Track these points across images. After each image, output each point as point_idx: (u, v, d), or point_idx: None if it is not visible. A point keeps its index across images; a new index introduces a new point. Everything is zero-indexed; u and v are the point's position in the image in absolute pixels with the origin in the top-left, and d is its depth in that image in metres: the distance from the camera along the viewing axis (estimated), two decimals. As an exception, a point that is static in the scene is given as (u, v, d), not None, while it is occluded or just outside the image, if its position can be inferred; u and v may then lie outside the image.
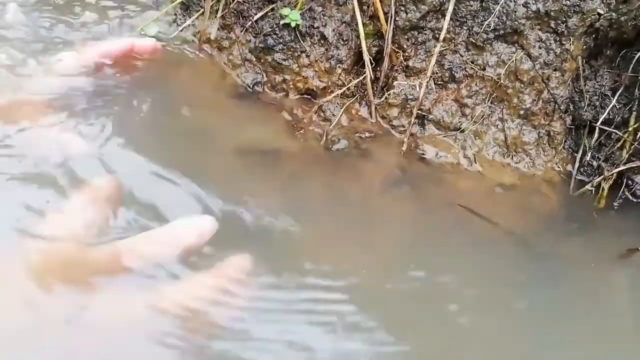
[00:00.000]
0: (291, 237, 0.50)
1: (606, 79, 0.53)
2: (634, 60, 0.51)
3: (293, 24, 0.58)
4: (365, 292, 0.46)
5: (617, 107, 0.53)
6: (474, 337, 0.43)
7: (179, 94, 0.59)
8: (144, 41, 0.54)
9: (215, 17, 0.64)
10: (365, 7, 0.59)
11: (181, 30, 0.65)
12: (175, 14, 0.67)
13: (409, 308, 0.46)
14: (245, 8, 0.63)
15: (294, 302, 0.44)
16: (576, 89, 0.53)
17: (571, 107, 0.53)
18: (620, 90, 0.52)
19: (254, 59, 0.63)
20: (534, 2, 0.50)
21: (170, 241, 0.38)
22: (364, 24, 0.58)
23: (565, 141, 0.54)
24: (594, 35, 0.51)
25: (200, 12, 0.66)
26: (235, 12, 0.64)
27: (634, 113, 0.52)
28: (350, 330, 0.43)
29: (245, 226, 0.48)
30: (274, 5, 0.62)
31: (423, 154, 0.55)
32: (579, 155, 0.53)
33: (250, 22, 0.63)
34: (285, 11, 0.59)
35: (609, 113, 0.52)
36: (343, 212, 0.52)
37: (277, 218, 0.50)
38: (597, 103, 0.53)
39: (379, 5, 0.56)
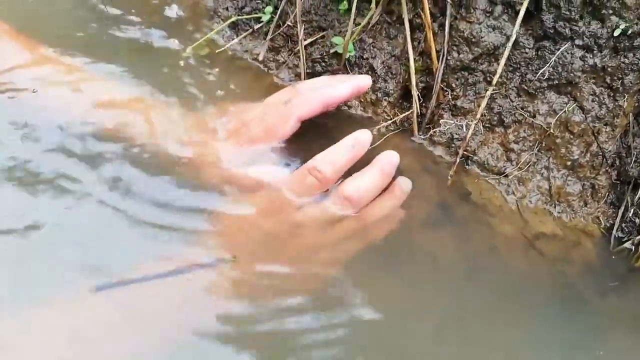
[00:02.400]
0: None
1: (654, 137, 0.54)
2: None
3: (348, 55, 0.58)
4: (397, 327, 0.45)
5: (662, 166, 0.53)
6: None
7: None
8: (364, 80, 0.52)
9: (265, 39, 0.65)
10: (415, 43, 0.59)
11: (229, 48, 0.66)
12: (223, 32, 0.67)
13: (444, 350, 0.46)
14: (295, 32, 0.63)
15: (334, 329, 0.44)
16: (624, 145, 0.53)
17: (617, 162, 0.53)
18: (666, 151, 0.52)
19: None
20: (591, 56, 0.51)
21: None
22: (413, 58, 0.59)
23: (608, 195, 0.54)
24: (646, 94, 0.51)
25: (249, 31, 0.66)
26: (284, 35, 0.64)
27: (679, 174, 0.52)
28: None
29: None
30: (324, 33, 0.62)
31: (467, 193, 0.55)
32: (621, 211, 0.53)
33: (298, 47, 0.63)
34: (338, 40, 0.59)
35: (654, 172, 0.52)
36: (383, 245, 0.51)
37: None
38: (643, 160, 0.53)
39: (432, 43, 0.57)
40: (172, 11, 0.69)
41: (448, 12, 0.56)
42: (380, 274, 0.50)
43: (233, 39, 0.66)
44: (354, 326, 0.45)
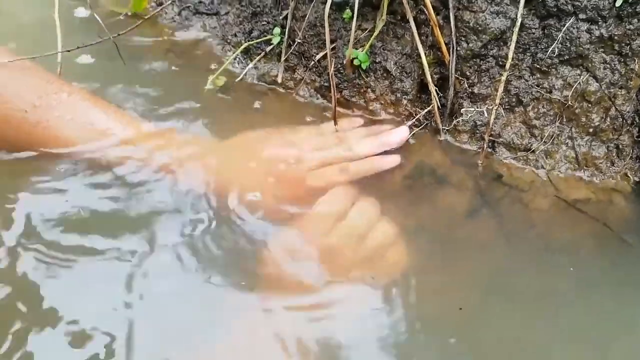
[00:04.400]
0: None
1: (669, 88, 0.56)
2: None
3: (364, 66, 0.61)
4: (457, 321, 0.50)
5: (680, 114, 0.55)
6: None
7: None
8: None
9: (279, 60, 0.67)
10: (424, 38, 0.62)
11: (245, 75, 0.69)
12: (236, 59, 0.70)
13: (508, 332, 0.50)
14: (306, 48, 0.66)
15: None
16: (641, 103, 0.55)
17: (637, 119, 0.56)
18: (682, 99, 0.55)
19: (320, 96, 0.66)
20: (597, 28, 0.53)
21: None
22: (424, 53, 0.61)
23: (633, 151, 0.57)
24: (656, 52, 0.53)
25: (262, 55, 0.69)
26: (297, 53, 0.67)
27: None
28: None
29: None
30: (335, 44, 0.65)
31: (499, 175, 0.58)
32: (647, 164, 0.56)
33: (312, 62, 0.66)
34: (355, 53, 0.61)
35: (673, 121, 0.55)
36: (431, 241, 0.55)
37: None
38: (661, 112, 0.56)
39: (439, 37, 0.59)
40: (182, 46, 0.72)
41: (451, 5, 0.58)
42: (432, 265, 0.54)
43: (248, 65, 0.69)
44: (410, 310, 0.49)
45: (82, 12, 0.78)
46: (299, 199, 0.54)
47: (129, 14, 0.76)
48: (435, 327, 0.48)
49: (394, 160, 0.59)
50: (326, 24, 0.59)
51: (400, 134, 0.60)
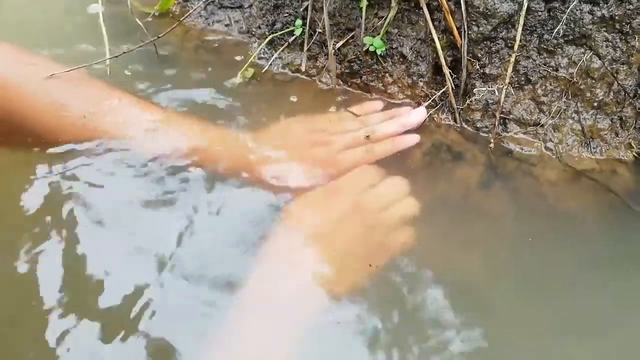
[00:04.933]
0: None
1: (668, 61, 0.59)
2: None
3: (379, 52, 0.66)
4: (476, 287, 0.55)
5: (681, 86, 0.59)
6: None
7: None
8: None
9: (302, 50, 0.72)
10: (437, 23, 0.66)
11: (270, 65, 0.74)
12: (261, 50, 0.75)
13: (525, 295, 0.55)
14: (327, 38, 0.70)
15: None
16: (643, 76, 0.59)
17: (639, 92, 0.60)
18: (682, 71, 0.58)
19: (342, 82, 0.71)
20: (598, 9, 0.56)
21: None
22: (437, 38, 0.65)
23: (636, 122, 0.61)
24: (656, 28, 0.57)
25: (285, 45, 0.74)
26: (318, 42, 0.71)
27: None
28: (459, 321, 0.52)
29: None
30: (353, 33, 0.69)
31: (510, 150, 0.63)
32: (649, 134, 0.60)
33: (333, 50, 0.70)
34: (369, 40, 0.66)
35: (674, 92, 0.58)
36: (448, 211, 0.61)
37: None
38: (662, 85, 0.59)
39: (451, 22, 0.63)
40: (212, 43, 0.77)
41: (461, -9, 0.62)
42: (449, 231, 0.60)
43: (272, 55, 0.74)
44: (421, 272, 0.55)
45: (95, 8, 0.82)
46: (332, 178, 0.60)
47: (156, 14, 0.82)
48: (444, 291, 0.53)
49: (414, 139, 0.64)
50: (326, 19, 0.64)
51: (419, 114, 0.65)
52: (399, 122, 0.65)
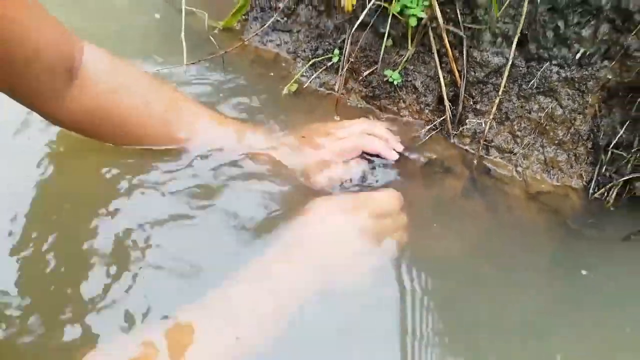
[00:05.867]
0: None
1: (617, 115, 0.77)
2: (637, 102, 0.75)
3: (396, 83, 0.84)
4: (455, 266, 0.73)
5: (624, 135, 0.77)
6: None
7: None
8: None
9: (337, 73, 0.91)
10: (444, 65, 0.84)
11: (310, 82, 0.93)
12: (305, 71, 0.94)
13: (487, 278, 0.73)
14: (357, 66, 0.89)
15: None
16: (594, 125, 0.77)
17: (591, 136, 0.78)
18: (627, 124, 0.76)
19: (365, 102, 0.90)
20: (564, 70, 0.75)
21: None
22: (442, 77, 0.84)
23: (587, 159, 0.79)
24: (606, 90, 0.75)
25: (323, 67, 0.93)
26: (349, 69, 0.90)
27: (637, 139, 0.76)
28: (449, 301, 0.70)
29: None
30: (377, 66, 0.88)
31: (489, 169, 0.81)
32: (596, 169, 0.78)
33: (361, 77, 0.89)
34: (389, 73, 0.85)
35: (618, 139, 0.76)
36: (437, 210, 0.79)
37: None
38: (610, 133, 0.77)
39: (454, 67, 0.82)
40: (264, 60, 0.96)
41: (464, 44, 0.81)
42: (435, 228, 0.78)
43: (312, 75, 0.93)
44: (410, 261, 0.73)
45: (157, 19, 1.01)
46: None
47: (221, 28, 1.01)
48: (431, 265, 0.72)
49: (394, 156, 0.81)
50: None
51: (393, 157, 0.81)
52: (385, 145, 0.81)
